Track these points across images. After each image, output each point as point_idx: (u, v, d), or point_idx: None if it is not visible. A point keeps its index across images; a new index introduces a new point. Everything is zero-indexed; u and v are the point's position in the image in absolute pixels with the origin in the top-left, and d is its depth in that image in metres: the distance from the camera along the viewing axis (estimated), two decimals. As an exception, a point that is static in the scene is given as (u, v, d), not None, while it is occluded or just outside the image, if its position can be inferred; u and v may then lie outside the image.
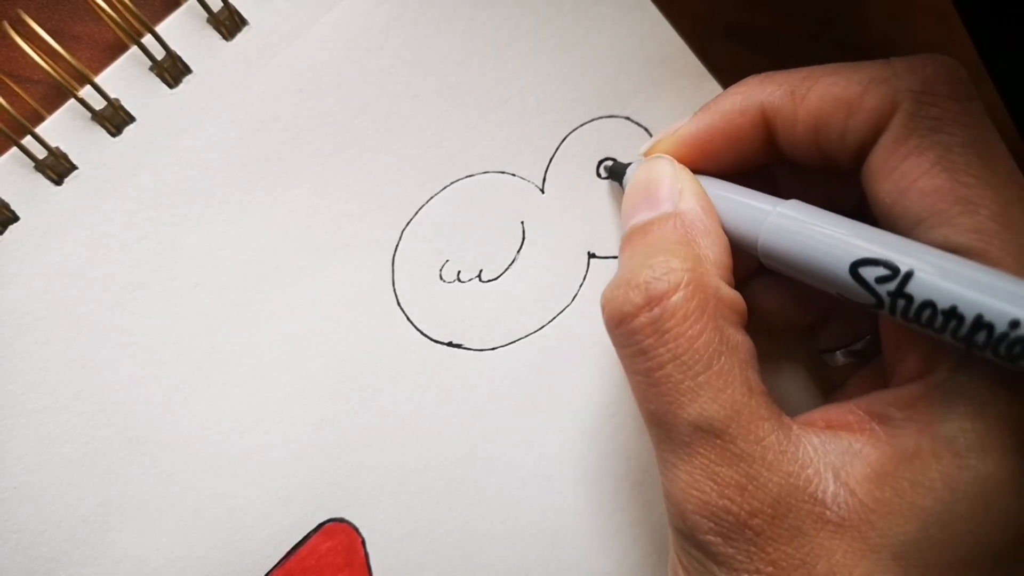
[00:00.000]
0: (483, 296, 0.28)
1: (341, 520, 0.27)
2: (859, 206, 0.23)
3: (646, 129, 0.29)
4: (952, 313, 0.18)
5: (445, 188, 0.28)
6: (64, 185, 0.26)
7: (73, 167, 0.26)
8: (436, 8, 0.28)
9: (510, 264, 0.28)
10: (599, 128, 0.28)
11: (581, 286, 0.28)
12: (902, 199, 0.20)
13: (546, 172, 0.28)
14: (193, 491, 0.26)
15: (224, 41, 0.27)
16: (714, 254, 0.22)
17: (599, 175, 0.28)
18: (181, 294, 0.27)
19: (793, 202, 0.22)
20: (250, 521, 0.26)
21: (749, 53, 0.32)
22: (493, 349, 0.28)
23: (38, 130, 0.26)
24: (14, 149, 0.26)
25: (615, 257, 0.28)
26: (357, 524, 0.27)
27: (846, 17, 0.33)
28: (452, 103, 0.28)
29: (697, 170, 0.25)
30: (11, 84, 0.26)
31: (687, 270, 0.21)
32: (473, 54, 0.28)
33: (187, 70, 0.27)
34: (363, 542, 0.27)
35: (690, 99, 0.29)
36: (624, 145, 0.29)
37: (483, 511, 0.28)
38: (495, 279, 0.28)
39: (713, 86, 0.29)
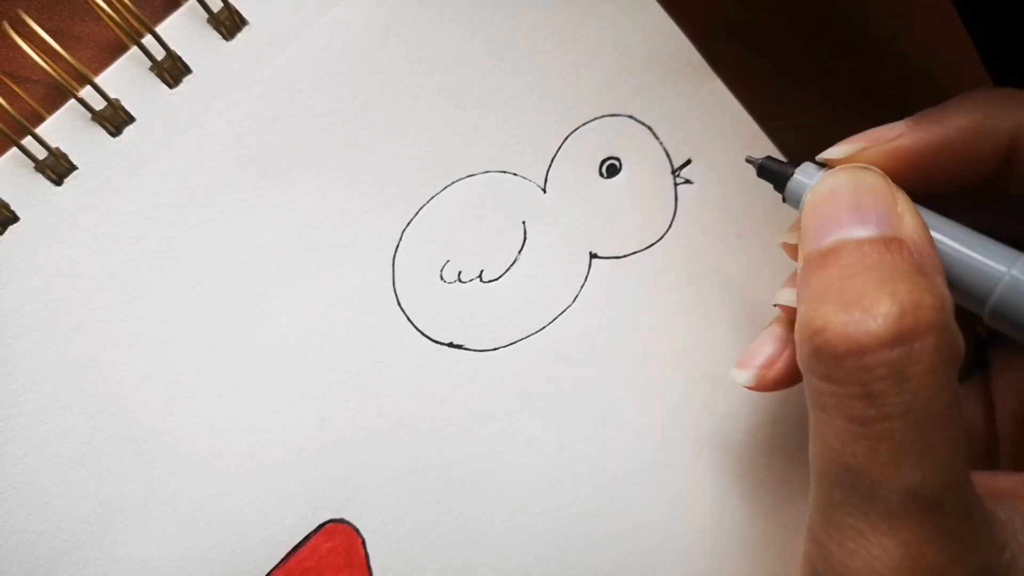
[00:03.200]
0: (484, 296, 0.28)
1: (341, 520, 0.27)
2: None
3: (649, 128, 0.29)
4: None
5: (446, 188, 0.28)
6: (64, 185, 0.26)
7: (73, 167, 0.26)
8: (436, 8, 0.28)
9: (511, 264, 0.28)
10: (601, 127, 0.28)
11: (583, 287, 0.28)
12: None
13: (548, 172, 0.28)
14: (193, 491, 0.26)
15: (224, 41, 0.27)
16: (949, 298, 0.18)
17: (601, 175, 0.28)
18: (181, 294, 0.27)
19: None
20: (250, 521, 0.26)
21: (750, 52, 0.32)
22: (494, 350, 0.28)
23: (38, 130, 0.26)
24: (14, 149, 0.26)
25: (617, 257, 0.29)
26: (357, 524, 0.27)
27: (847, 16, 0.33)
28: (453, 102, 0.28)
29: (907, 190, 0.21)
30: (11, 84, 0.26)
31: (938, 309, 0.17)
32: (474, 53, 0.28)
33: (187, 70, 0.27)
34: (363, 542, 0.27)
35: (694, 98, 0.29)
36: (627, 144, 0.29)
37: (483, 511, 0.28)
38: (496, 279, 0.28)
39: (717, 84, 0.29)
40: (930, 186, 0.21)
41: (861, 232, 0.19)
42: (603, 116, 0.29)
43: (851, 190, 0.20)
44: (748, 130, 0.29)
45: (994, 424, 0.20)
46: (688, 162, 0.29)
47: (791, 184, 0.22)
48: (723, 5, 0.31)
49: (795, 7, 0.32)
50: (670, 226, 0.29)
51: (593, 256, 0.28)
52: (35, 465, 0.26)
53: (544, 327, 0.28)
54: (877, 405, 0.17)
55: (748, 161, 0.23)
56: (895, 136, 0.21)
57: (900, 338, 0.17)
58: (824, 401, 0.18)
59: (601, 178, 0.29)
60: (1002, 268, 0.19)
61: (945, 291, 0.18)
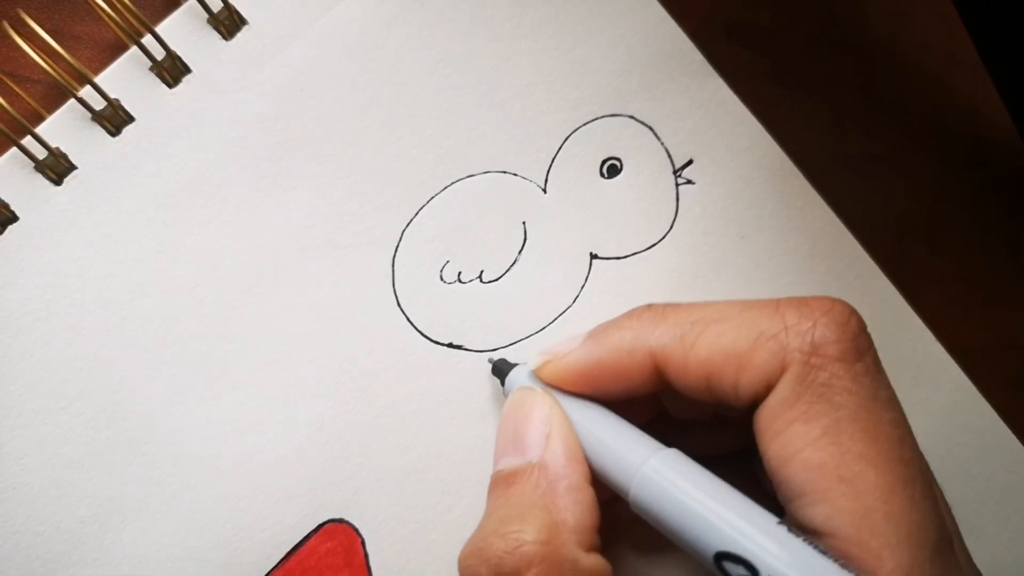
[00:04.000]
0: (484, 297, 0.28)
1: (341, 521, 0.27)
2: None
3: (650, 128, 0.29)
4: None
5: (446, 188, 0.28)
6: (64, 185, 0.26)
7: (73, 167, 0.26)
8: (436, 8, 0.28)
9: (511, 265, 0.28)
10: (602, 127, 0.28)
11: (583, 287, 0.28)
12: (785, 467, 0.20)
13: (548, 172, 0.28)
14: (193, 491, 0.26)
15: (224, 41, 0.27)
16: (575, 516, 0.21)
17: (602, 175, 0.28)
18: (181, 294, 0.27)
19: (671, 452, 0.21)
20: (250, 521, 0.26)
21: (750, 52, 0.32)
22: (494, 350, 0.28)
23: (38, 130, 0.26)
24: (14, 149, 0.26)
25: (618, 258, 0.29)
26: (357, 524, 0.27)
27: (847, 16, 0.33)
28: (453, 103, 0.28)
29: (586, 395, 0.24)
30: (11, 84, 0.26)
31: (541, 543, 0.20)
32: (474, 53, 0.28)
33: (187, 70, 0.27)
34: (363, 542, 0.27)
35: (695, 98, 0.29)
36: (628, 145, 0.29)
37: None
38: (496, 280, 0.28)
39: (718, 84, 0.29)
40: (603, 393, 0.23)
41: (511, 461, 0.23)
42: (604, 116, 0.29)
43: (513, 416, 0.24)
44: (750, 130, 0.29)
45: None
46: (690, 162, 0.29)
47: (506, 388, 0.26)
48: (723, 5, 0.31)
49: (795, 7, 0.32)
50: (671, 227, 0.29)
51: (594, 257, 0.28)
52: (35, 465, 0.26)
53: (544, 328, 0.28)
54: None
55: (489, 361, 0.27)
56: (567, 352, 0.23)
57: None
58: None
59: (602, 178, 0.29)
60: (638, 461, 0.21)
61: (565, 516, 0.21)
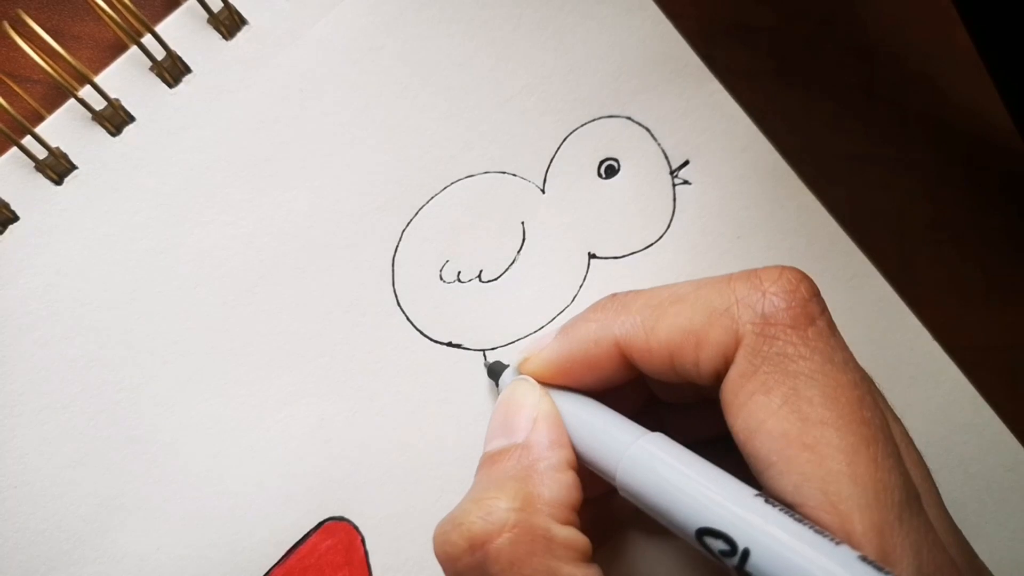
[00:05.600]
0: (483, 296, 0.28)
1: (341, 519, 0.27)
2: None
3: (647, 129, 0.29)
4: None
5: (445, 188, 0.28)
6: (64, 185, 0.26)
7: (73, 167, 0.26)
8: (436, 8, 0.28)
9: (510, 264, 0.28)
10: (600, 128, 0.28)
11: (581, 287, 0.28)
12: (752, 439, 0.20)
13: (547, 172, 0.28)
14: (193, 490, 0.26)
15: (224, 41, 0.27)
16: (552, 492, 0.21)
17: (600, 175, 0.29)
18: (181, 294, 0.27)
19: (656, 436, 0.21)
20: (250, 520, 0.26)
21: (750, 52, 0.32)
22: (493, 349, 0.28)
23: (38, 130, 0.26)
24: (14, 149, 0.26)
25: (616, 258, 0.29)
26: (357, 523, 0.27)
27: (846, 17, 0.33)
28: (452, 103, 0.28)
29: (568, 387, 0.24)
30: (11, 84, 0.26)
31: (514, 510, 0.21)
32: (473, 54, 0.28)
33: (187, 70, 0.27)
34: (363, 540, 0.27)
35: (691, 99, 0.29)
36: (625, 145, 0.29)
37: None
38: (495, 279, 0.28)
39: (715, 86, 0.29)
40: (579, 383, 0.24)
41: (499, 443, 0.23)
42: (602, 117, 0.29)
43: (505, 403, 0.24)
44: (746, 131, 0.29)
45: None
46: (686, 163, 0.29)
47: (499, 386, 0.27)
48: (723, 6, 0.31)
49: (795, 7, 0.32)
50: (668, 227, 0.29)
51: (592, 256, 0.28)
52: (35, 465, 0.26)
53: (543, 327, 0.28)
54: None
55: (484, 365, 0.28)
56: (542, 348, 0.24)
57: (475, 544, 0.20)
58: None
59: (600, 179, 0.29)
60: (624, 445, 0.21)
61: (541, 490, 0.21)
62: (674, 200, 0.29)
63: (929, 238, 0.33)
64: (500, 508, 0.21)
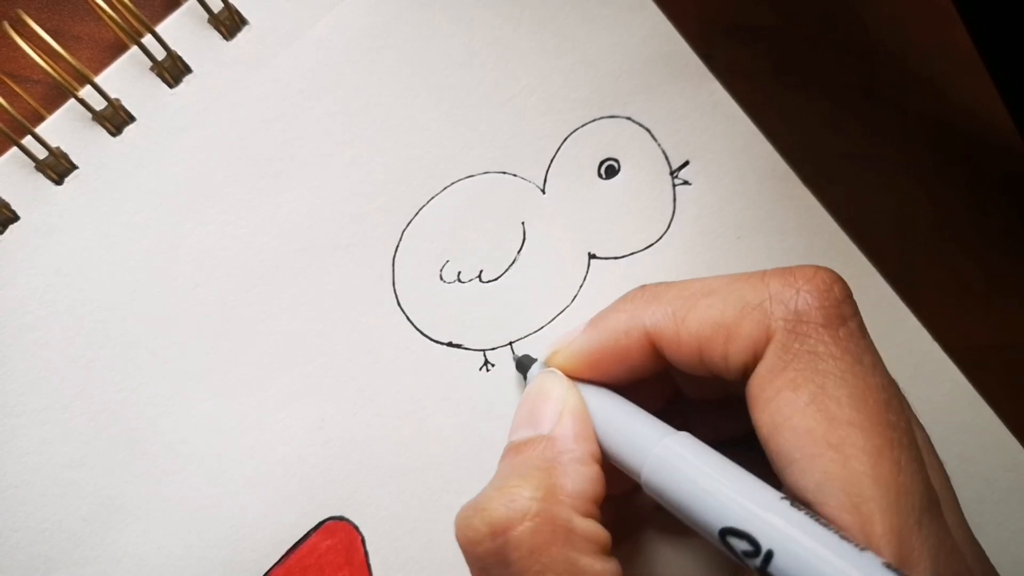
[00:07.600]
0: (483, 296, 0.28)
1: (341, 518, 0.27)
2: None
3: (647, 129, 0.29)
4: None
5: (446, 188, 0.28)
6: (64, 185, 0.26)
7: (73, 167, 0.26)
8: (437, 8, 0.28)
9: (510, 265, 0.28)
10: (600, 128, 0.29)
11: (581, 287, 0.28)
12: (777, 434, 0.20)
13: (547, 172, 0.28)
14: (193, 490, 0.26)
15: (224, 41, 0.27)
16: (575, 484, 0.21)
17: (600, 176, 0.29)
18: (181, 294, 0.27)
19: (682, 436, 0.21)
20: (250, 520, 0.27)
21: (750, 52, 0.32)
22: (493, 349, 0.28)
23: (38, 130, 0.26)
24: (14, 149, 0.26)
25: (616, 258, 0.29)
26: (357, 522, 0.27)
27: (846, 17, 0.33)
28: (453, 103, 0.28)
29: (596, 382, 0.24)
30: (11, 84, 0.26)
31: (536, 499, 0.21)
32: (474, 54, 0.28)
33: (187, 70, 0.27)
34: (363, 540, 0.27)
35: (692, 99, 0.29)
36: (625, 146, 0.29)
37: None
38: (495, 279, 0.28)
39: (715, 86, 0.29)
40: (609, 376, 0.24)
41: (524, 433, 0.23)
42: (602, 117, 0.29)
43: (532, 395, 0.24)
44: (746, 131, 0.29)
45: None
46: (686, 163, 0.29)
47: (527, 378, 0.27)
48: (723, 6, 0.31)
49: (795, 7, 0.32)
50: (668, 227, 0.29)
51: (592, 256, 0.28)
52: (35, 465, 0.26)
53: (543, 327, 0.28)
54: None
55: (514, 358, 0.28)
56: (571, 340, 0.24)
57: (497, 530, 0.20)
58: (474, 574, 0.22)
59: (600, 179, 0.29)
60: (650, 445, 0.21)
61: (564, 481, 0.21)
62: (674, 200, 0.29)
63: (929, 238, 0.33)
64: (523, 496, 0.21)
